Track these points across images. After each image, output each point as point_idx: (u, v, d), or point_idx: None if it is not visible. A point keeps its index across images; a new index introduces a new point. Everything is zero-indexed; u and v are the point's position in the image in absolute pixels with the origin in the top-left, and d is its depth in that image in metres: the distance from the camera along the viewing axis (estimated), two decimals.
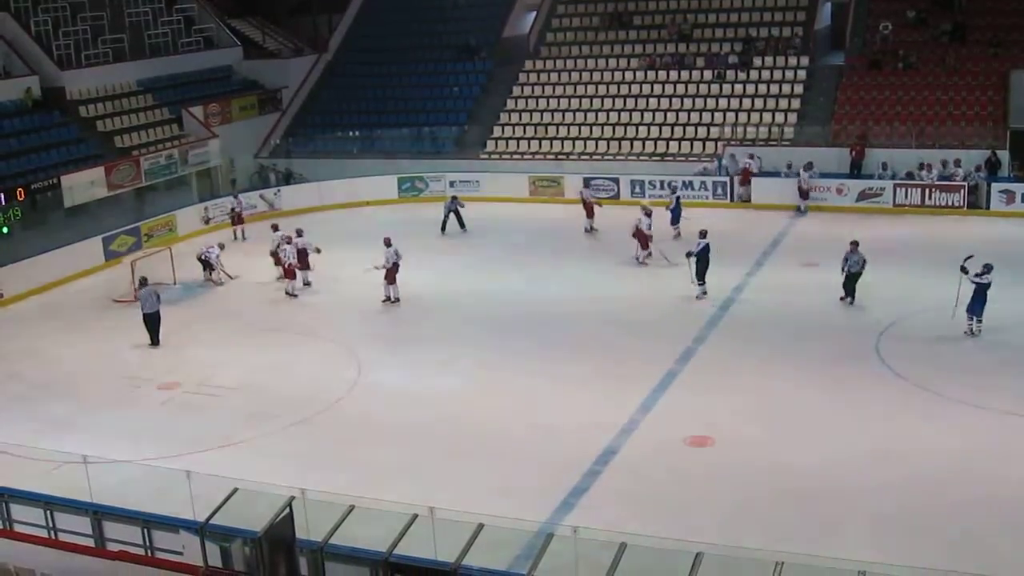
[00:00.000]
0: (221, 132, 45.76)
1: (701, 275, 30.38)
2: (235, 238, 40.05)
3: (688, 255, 30.82)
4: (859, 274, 29.14)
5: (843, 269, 29.33)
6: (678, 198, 38.11)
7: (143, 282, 29.78)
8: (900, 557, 15.71)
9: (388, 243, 31.62)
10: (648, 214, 34.66)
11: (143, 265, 33.85)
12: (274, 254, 34.47)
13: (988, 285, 26.05)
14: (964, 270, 26.26)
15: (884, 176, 39.60)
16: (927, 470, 19.89)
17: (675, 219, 37.15)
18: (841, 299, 29.26)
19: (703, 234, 30.83)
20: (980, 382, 23.72)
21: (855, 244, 29.33)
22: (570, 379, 25.13)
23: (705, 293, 30.34)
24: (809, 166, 39.83)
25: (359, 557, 15.50)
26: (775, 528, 17.96)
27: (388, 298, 31.61)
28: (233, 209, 41.08)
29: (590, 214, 38.72)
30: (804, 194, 39.56)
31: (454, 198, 40.01)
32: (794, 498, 19.17)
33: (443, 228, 39.25)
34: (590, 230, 38.51)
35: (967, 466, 20.01)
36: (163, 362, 27.85)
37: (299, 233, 33.80)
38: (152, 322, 29.25)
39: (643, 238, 34.06)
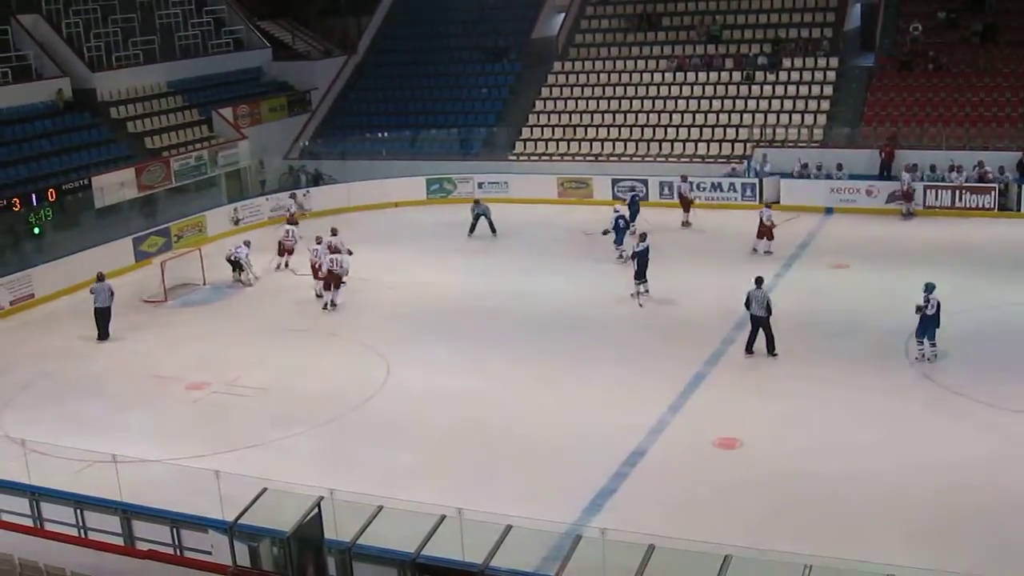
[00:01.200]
0: (251, 133, 45.94)
1: (641, 275, 30.68)
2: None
3: (632, 256, 31.21)
4: (766, 319, 25.76)
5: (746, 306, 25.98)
6: (634, 196, 39.34)
7: (100, 277, 30.25)
8: (929, 562, 15.58)
9: (319, 241, 32.48)
10: (768, 205, 35.69)
11: (173, 266, 34.05)
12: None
13: (938, 309, 24.85)
14: (919, 309, 24.82)
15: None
16: (956, 474, 19.75)
17: (632, 217, 37.60)
18: (748, 354, 26.12)
19: (644, 237, 31.40)
20: (1011, 385, 23.50)
21: (759, 281, 26.28)
22: (598, 380, 25.09)
23: (647, 291, 30.67)
24: (913, 167, 39.46)
25: (387, 558, 15.53)
26: (803, 531, 17.89)
27: (325, 304, 31.79)
28: (292, 212, 41.22)
29: (687, 208, 39.24)
30: (909, 196, 38.83)
31: (477, 202, 39.94)
32: (822, 500, 19.10)
33: (471, 231, 39.17)
34: (686, 224, 38.92)
35: (997, 470, 19.86)
36: (192, 362, 27.96)
37: (333, 232, 33.81)
38: (102, 317, 29.84)
39: (767, 231, 34.56)
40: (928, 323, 24.77)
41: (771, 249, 34.51)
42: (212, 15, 50.34)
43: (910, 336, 26.26)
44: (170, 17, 48.25)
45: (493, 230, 38.98)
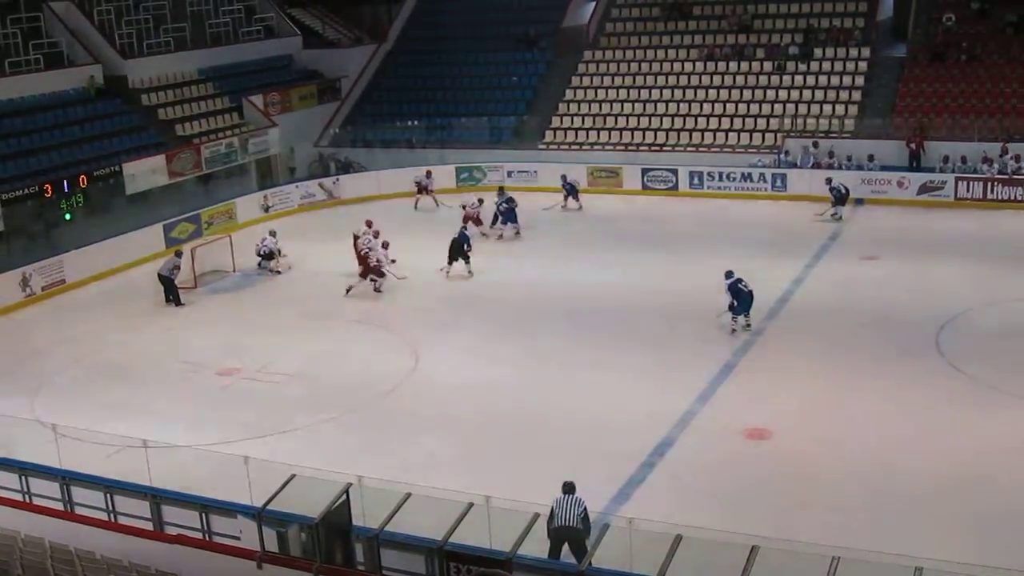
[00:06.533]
0: (281, 121, 46.03)
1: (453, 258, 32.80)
2: (437, 205, 42.36)
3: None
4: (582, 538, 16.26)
5: None
6: (564, 176, 41.15)
7: (177, 253, 31.49)
8: (958, 554, 15.49)
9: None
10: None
11: (203, 252, 34.19)
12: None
13: (745, 290, 26.51)
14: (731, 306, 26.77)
15: (946, 169, 39.07)
16: (986, 466, 19.63)
17: (574, 196, 40.86)
18: None
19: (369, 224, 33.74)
20: None
21: (570, 488, 16.84)
22: (627, 370, 25.05)
23: (447, 272, 32.97)
24: None
25: (414, 545, 15.56)
26: (831, 522, 17.82)
27: (349, 288, 32.05)
28: (421, 183, 42.80)
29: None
30: None
31: (502, 190, 39.46)
32: (851, 493, 19.02)
33: (493, 223, 38.78)
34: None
35: None
36: (222, 348, 28.07)
37: (368, 224, 33.87)
38: (161, 283, 31.71)
39: None
40: (743, 303, 26.72)
41: None
42: (243, 3, 50.40)
43: (940, 328, 26.22)
44: (201, 4, 48.36)
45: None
